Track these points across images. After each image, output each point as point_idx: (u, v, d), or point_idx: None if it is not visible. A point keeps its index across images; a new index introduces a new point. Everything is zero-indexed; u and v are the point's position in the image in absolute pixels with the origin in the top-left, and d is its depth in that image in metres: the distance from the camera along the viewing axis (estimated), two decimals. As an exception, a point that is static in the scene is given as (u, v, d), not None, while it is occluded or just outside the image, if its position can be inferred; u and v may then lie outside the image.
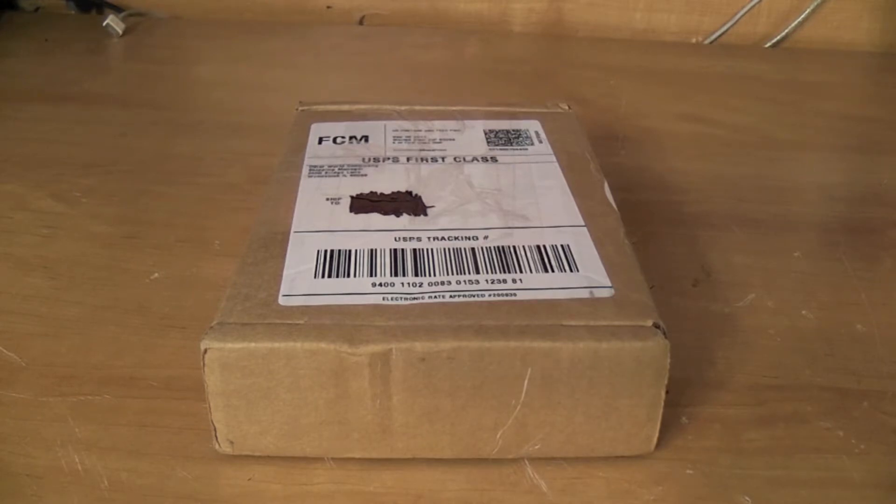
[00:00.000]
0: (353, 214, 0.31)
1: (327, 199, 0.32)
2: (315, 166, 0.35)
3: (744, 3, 0.69)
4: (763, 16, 0.70)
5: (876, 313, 0.35)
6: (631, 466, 0.27)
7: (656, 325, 0.26)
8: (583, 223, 0.31)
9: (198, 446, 0.27)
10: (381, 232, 0.30)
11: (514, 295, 0.27)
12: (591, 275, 0.28)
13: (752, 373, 0.32)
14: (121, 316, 0.34)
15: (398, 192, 0.33)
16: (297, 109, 0.40)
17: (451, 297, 0.26)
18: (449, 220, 0.31)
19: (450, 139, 0.37)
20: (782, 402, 0.30)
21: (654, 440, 0.27)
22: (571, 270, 0.28)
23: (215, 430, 0.26)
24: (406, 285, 0.27)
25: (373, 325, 0.25)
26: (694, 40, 0.71)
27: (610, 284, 0.27)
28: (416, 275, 0.28)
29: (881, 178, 0.47)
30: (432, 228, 0.30)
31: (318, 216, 0.31)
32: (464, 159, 0.35)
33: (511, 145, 0.37)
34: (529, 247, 0.29)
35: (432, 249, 0.29)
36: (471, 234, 0.30)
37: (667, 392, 0.26)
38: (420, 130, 0.38)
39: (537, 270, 0.28)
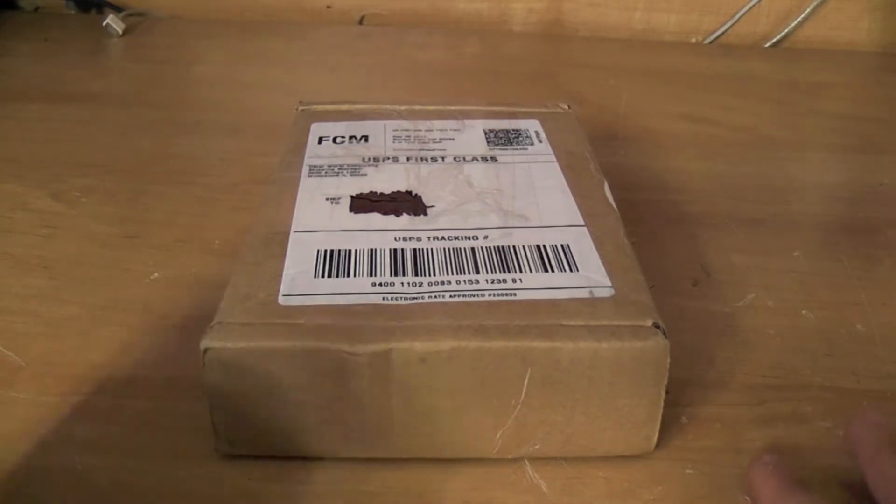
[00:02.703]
0: (353, 214, 0.31)
1: (327, 199, 0.32)
2: (315, 166, 0.35)
3: (744, 3, 0.69)
4: (763, 16, 0.70)
5: (876, 313, 0.35)
6: (631, 466, 0.27)
7: (656, 325, 0.26)
8: (583, 223, 0.31)
9: (198, 446, 0.27)
10: (381, 232, 0.30)
11: (514, 295, 0.27)
12: (590, 275, 0.28)
13: (752, 373, 0.32)
14: (121, 316, 0.34)
15: (398, 191, 0.33)
16: (297, 109, 0.40)
17: (450, 296, 0.26)
18: (449, 220, 0.31)
19: (450, 139, 0.37)
20: (782, 402, 0.30)
21: (654, 440, 0.27)
22: (571, 270, 0.28)
23: (215, 430, 0.26)
24: (406, 285, 0.27)
25: (373, 325, 0.25)
26: (694, 40, 0.71)
27: (610, 284, 0.27)
28: (416, 275, 0.28)
29: (881, 178, 0.47)
30: (432, 228, 0.30)
31: (318, 216, 0.31)
32: (464, 159, 0.35)
33: (511, 145, 0.37)
34: (529, 247, 0.29)
35: (432, 249, 0.29)
36: (471, 233, 0.30)
37: (667, 392, 0.26)
38: (420, 130, 0.38)
39: (537, 270, 0.28)
